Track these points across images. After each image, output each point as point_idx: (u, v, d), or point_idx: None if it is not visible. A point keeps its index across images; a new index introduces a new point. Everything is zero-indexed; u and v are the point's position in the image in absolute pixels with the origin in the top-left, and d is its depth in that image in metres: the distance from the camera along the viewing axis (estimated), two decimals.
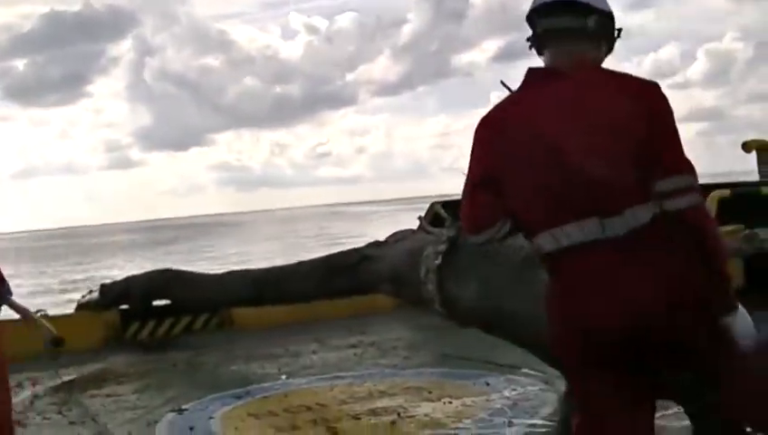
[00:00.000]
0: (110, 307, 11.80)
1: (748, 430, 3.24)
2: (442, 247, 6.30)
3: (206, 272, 12.89)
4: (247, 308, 11.57)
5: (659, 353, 2.99)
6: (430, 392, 7.72)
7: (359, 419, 7.06)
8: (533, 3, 3.20)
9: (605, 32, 3.16)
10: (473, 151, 3.22)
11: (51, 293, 24.76)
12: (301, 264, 10.02)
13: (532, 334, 5.79)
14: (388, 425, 6.82)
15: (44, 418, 7.85)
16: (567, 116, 3.01)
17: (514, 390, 7.52)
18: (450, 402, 7.31)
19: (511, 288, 5.88)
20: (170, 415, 7.63)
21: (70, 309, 13.06)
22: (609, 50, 3.20)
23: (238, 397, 8.11)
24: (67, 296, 19.37)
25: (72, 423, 7.65)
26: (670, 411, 6.13)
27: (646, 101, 2.98)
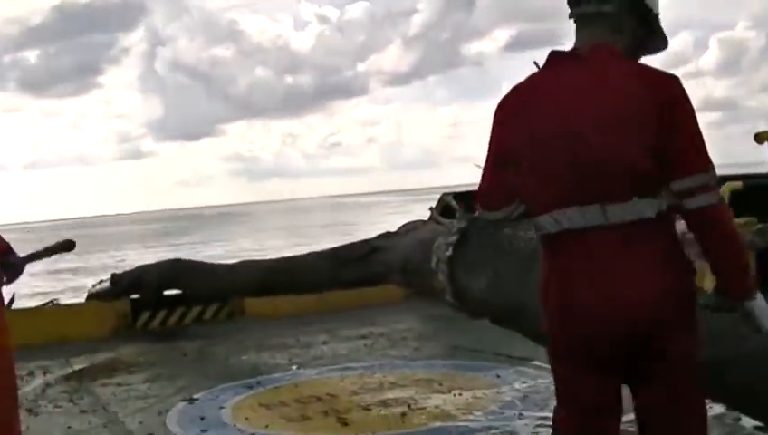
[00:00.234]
0: (120, 297, 11.83)
1: None
2: (453, 238, 6.27)
3: (217, 262, 12.91)
4: (258, 298, 11.59)
5: (642, 350, 2.99)
6: (441, 384, 7.72)
7: (369, 410, 7.07)
8: None
9: (627, 17, 3.13)
10: (492, 131, 3.25)
11: (63, 281, 24.81)
12: (311, 254, 10.01)
13: (542, 327, 5.78)
14: (399, 416, 6.82)
15: (56, 406, 7.88)
16: (578, 100, 3.00)
17: (525, 382, 7.51)
18: (460, 394, 7.30)
19: (522, 280, 5.86)
20: (181, 404, 7.64)
21: (81, 298, 13.10)
22: (638, 36, 3.18)
23: (249, 387, 8.13)
24: (78, 285, 19.40)
25: (83, 412, 7.67)
26: None
27: (660, 93, 2.94)
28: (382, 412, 6.97)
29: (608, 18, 3.10)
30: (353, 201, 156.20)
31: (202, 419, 7.11)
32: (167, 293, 11.94)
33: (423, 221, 9.26)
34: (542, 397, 6.91)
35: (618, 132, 2.93)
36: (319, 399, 7.51)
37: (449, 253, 6.21)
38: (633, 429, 3.13)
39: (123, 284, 11.82)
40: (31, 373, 9.19)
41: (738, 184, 9.18)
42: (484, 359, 8.43)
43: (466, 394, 7.31)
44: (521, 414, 6.57)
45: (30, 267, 5.66)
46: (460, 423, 6.51)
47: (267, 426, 6.79)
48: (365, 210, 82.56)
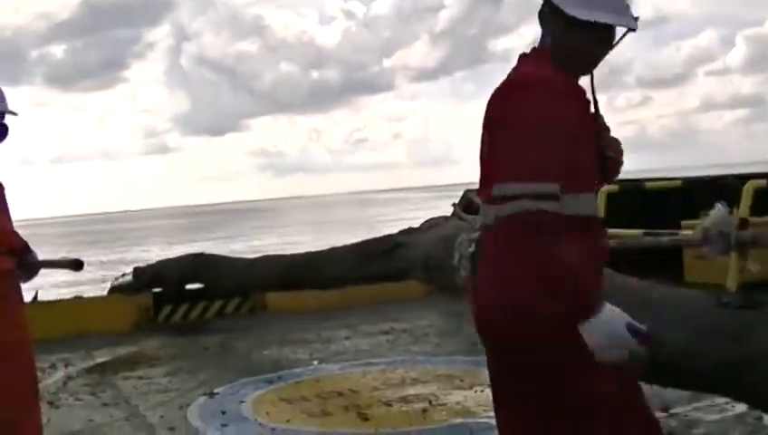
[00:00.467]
0: (142, 290, 11.87)
1: None
2: (475, 235, 6.25)
3: (242, 257, 12.94)
4: (280, 293, 11.60)
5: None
6: (462, 380, 7.69)
7: (390, 405, 7.04)
8: None
9: (553, 19, 2.97)
10: None
11: (88, 275, 24.88)
12: (334, 249, 10.01)
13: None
14: (420, 412, 6.79)
15: (77, 399, 7.89)
16: (490, 103, 3.04)
17: None
18: (482, 391, 7.25)
19: None
20: (202, 398, 7.64)
21: (104, 292, 13.14)
22: (561, 43, 2.96)
23: (270, 381, 8.12)
24: (103, 276, 19.47)
25: (104, 405, 7.68)
26: (703, 403, 6.09)
27: (508, 99, 2.95)
28: (403, 408, 6.95)
29: (541, 20, 3.03)
30: (378, 197, 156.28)
31: (223, 413, 7.11)
32: (188, 287, 11.97)
33: (446, 217, 9.24)
34: None
35: (488, 136, 3.01)
36: (340, 394, 7.49)
37: (472, 249, 6.18)
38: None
39: (145, 277, 11.86)
40: (53, 366, 9.23)
41: (762, 182, 9.10)
42: None
43: (488, 391, 7.25)
44: None
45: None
46: (481, 420, 6.47)
47: (288, 421, 6.77)
48: (389, 206, 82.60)
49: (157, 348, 10.29)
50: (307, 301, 11.52)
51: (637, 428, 2.94)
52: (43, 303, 11.22)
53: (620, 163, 3.16)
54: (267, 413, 7.04)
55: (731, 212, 7.13)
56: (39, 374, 5.69)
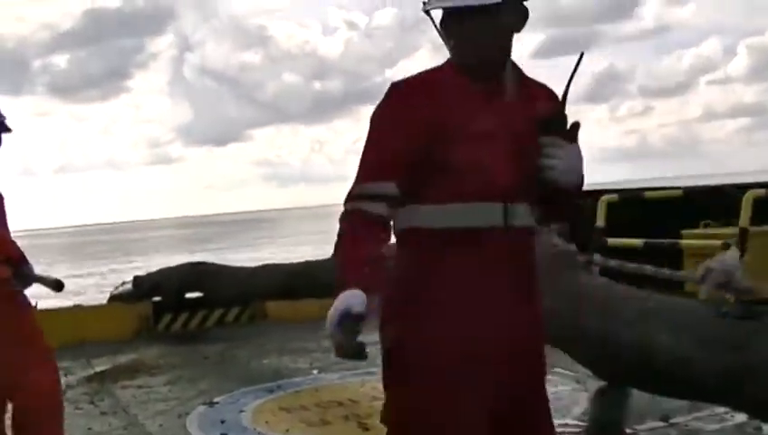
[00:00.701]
0: (142, 299, 11.87)
1: None
2: None
3: (242, 266, 12.93)
4: (280, 302, 11.59)
5: None
6: None
7: None
8: None
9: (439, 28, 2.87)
10: None
11: (89, 285, 24.92)
12: (332, 258, 10.01)
13: (565, 333, 5.73)
14: None
15: (76, 407, 7.87)
16: None
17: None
18: None
19: (545, 286, 5.82)
20: (201, 408, 7.64)
21: (104, 300, 13.15)
22: (446, 42, 2.85)
23: (270, 391, 8.12)
24: (103, 285, 19.48)
25: (103, 413, 7.68)
26: (703, 413, 6.08)
27: None
28: None
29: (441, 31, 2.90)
30: None
31: (222, 422, 7.10)
32: (188, 295, 11.97)
33: None
34: (563, 404, 6.86)
35: None
36: (340, 403, 7.48)
37: None
38: None
39: (145, 286, 11.86)
40: None
41: (762, 192, 9.08)
42: None
43: None
44: None
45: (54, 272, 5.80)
46: None
47: (287, 430, 6.77)
48: None
49: (156, 357, 10.29)
50: (307, 310, 11.50)
51: None
52: (42, 311, 11.21)
53: (559, 173, 2.79)
54: (267, 422, 7.04)
55: (741, 256, 7.08)
56: None
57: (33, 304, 10.25)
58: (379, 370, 2.85)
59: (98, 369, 9.67)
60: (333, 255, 2.80)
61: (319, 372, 8.91)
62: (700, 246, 10.15)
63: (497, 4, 2.72)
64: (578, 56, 2.88)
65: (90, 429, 7.16)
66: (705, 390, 4.90)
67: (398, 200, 2.77)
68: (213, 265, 12.20)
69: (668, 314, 5.16)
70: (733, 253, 6.43)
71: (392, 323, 2.84)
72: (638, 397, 6.23)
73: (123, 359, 10.17)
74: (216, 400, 7.85)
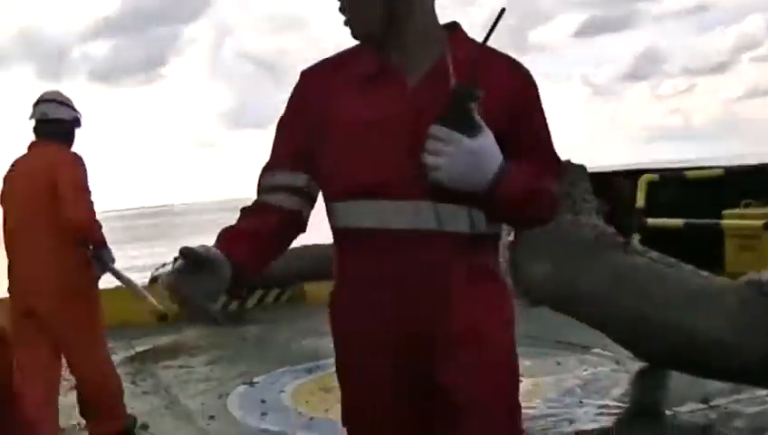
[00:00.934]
0: None
1: None
2: None
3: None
4: (319, 283, 11.61)
5: None
6: None
7: None
8: None
9: None
10: None
11: (132, 267, 25.07)
12: None
13: (604, 314, 5.72)
14: None
15: None
16: None
17: (585, 370, 7.41)
18: (520, 381, 7.24)
19: (584, 266, 5.81)
20: (242, 387, 7.68)
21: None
22: None
23: (309, 371, 8.14)
24: (146, 267, 19.60)
25: (145, 393, 7.76)
26: (743, 396, 6.04)
27: None
28: None
29: None
30: None
31: (263, 402, 7.14)
32: None
33: None
34: (602, 384, 6.83)
35: None
36: None
37: (510, 237, 6.16)
38: None
39: None
40: None
41: None
42: (544, 346, 8.34)
43: (526, 381, 7.23)
44: (581, 401, 6.48)
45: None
46: None
47: (327, 410, 6.78)
48: None
49: (197, 338, 10.35)
50: None
51: None
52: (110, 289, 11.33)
53: (444, 175, 2.29)
54: (306, 402, 7.08)
55: None
56: None
57: None
58: None
59: (139, 349, 9.76)
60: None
61: None
62: (741, 226, 10.06)
63: None
64: (498, 12, 2.38)
65: (131, 408, 7.20)
66: (746, 372, 4.88)
67: (305, 192, 2.62)
68: None
69: (710, 295, 5.13)
70: None
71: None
72: (678, 378, 6.20)
73: (164, 340, 10.24)
74: (255, 380, 7.89)
